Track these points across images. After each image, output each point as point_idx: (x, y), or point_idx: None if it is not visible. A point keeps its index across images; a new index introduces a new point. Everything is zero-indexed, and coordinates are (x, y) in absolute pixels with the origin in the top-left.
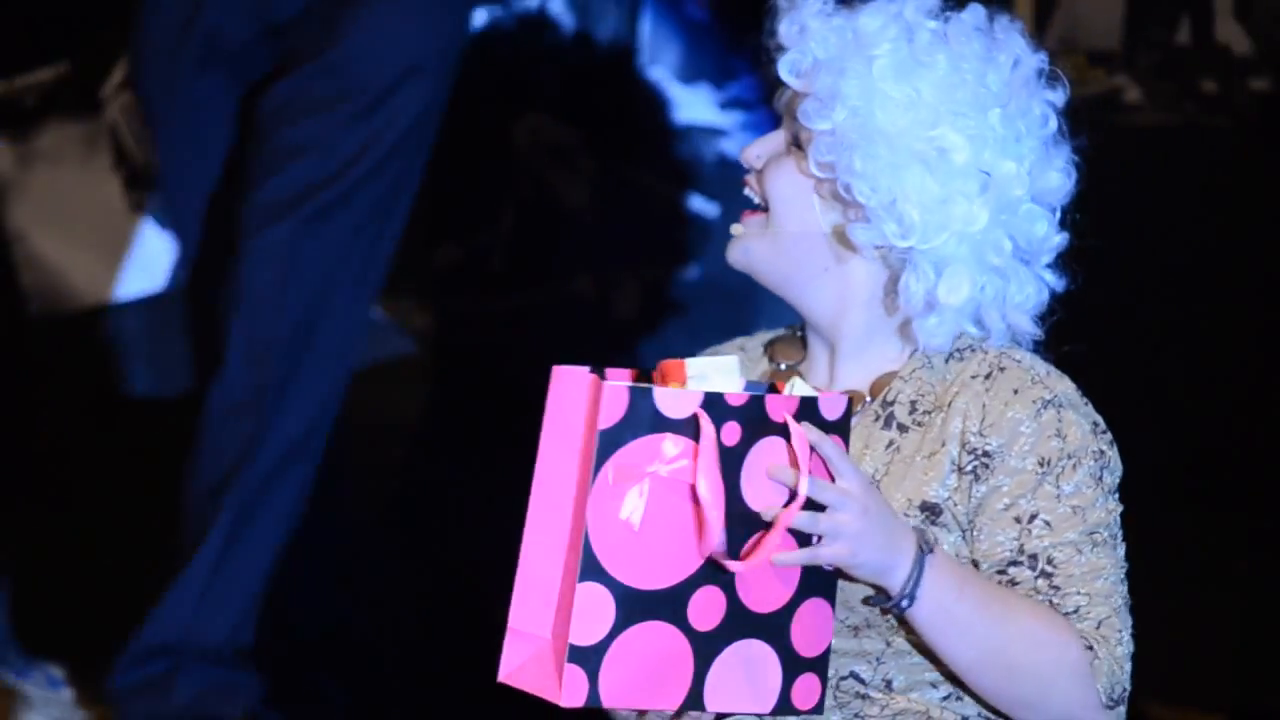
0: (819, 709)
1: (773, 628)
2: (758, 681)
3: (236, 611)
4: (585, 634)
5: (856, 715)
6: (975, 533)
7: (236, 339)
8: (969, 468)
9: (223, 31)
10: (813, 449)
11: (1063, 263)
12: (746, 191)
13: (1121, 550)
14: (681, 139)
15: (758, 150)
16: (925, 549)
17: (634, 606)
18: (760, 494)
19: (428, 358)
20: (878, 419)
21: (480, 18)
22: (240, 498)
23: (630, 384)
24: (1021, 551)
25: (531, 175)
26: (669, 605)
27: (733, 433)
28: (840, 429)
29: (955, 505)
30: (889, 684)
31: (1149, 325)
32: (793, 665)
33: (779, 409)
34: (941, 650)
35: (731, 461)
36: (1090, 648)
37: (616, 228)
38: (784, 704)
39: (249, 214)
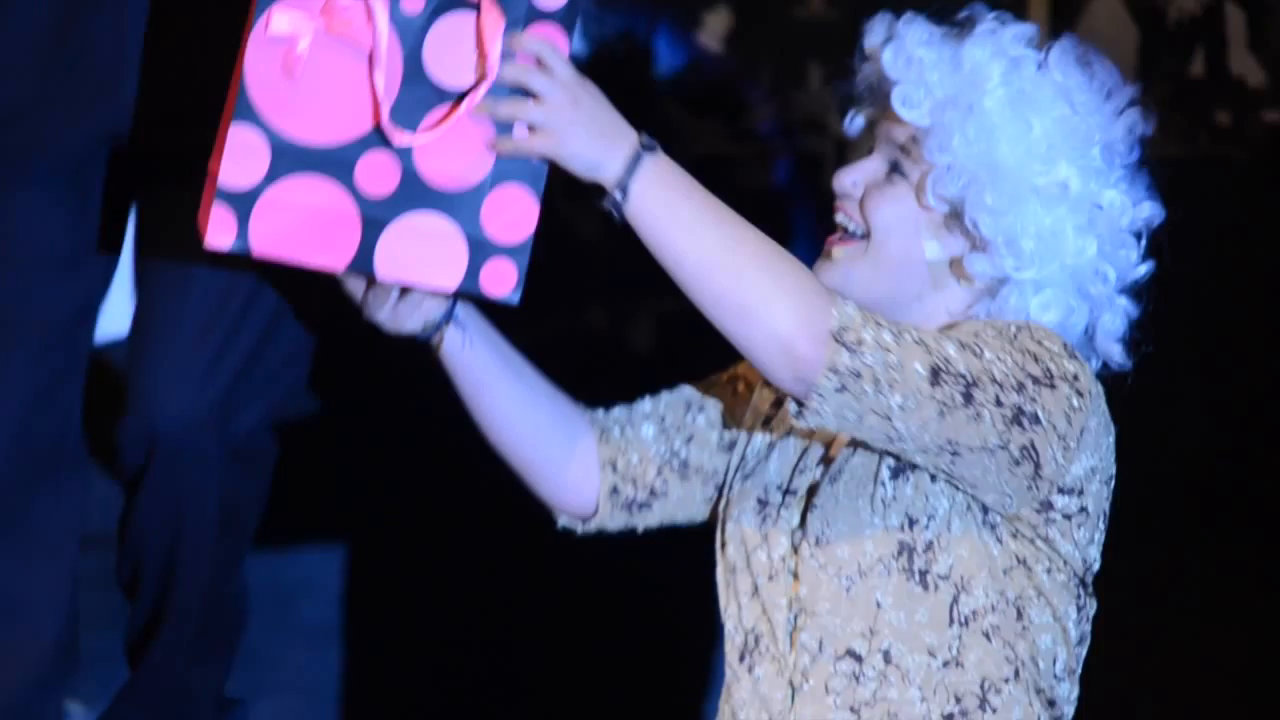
0: (514, 297)
1: (457, 205)
2: (438, 257)
3: None
4: (235, 177)
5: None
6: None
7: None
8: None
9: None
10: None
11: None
12: (839, 218)
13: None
14: (695, 170)
15: (854, 177)
16: (645, 146)
17: (291, 157)
18: (449, 70)
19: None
20: None
21: None
22: None
23: None
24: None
25: (548, 207)
26: (333, 164)
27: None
28: (562, 20)
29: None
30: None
31: (1165, 355)
32: (481, 247)
33: None
34: (666, 249)
35: (410, 28)
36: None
37: (631, 259)
38: (471, 283)
39: None
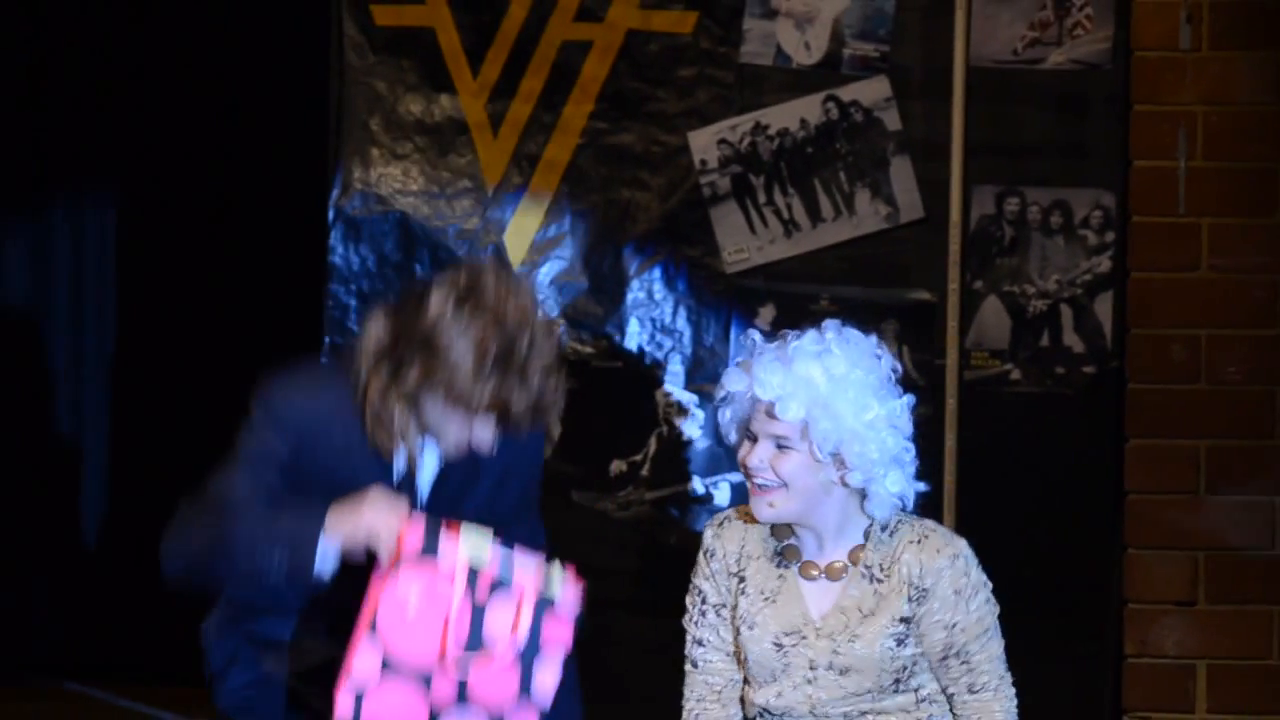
0: None
1: (495, 712)
2: None
3: None
4: (360, 672)
5: None
6: (921, 636)
7: None
8: (915, 597)
9: None
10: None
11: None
12: (760, 482)
13: (1000, 633)
14: None
15: (759, 459)
16: None
17: (393, 667)
18: (495, 628)
19: (605, 525)
20: (863, 576)
21: (634, 328)
22: None
23: (427, 524)
24: (950, 647)
25: (666, 420)
26: (418, 677)
27: (485, 584)
28: (570, 618)
29: (912, 618)
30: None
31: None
32: None
33: (523, 582)
34: None
35: (476, 601)
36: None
37: (717, 447)
38: None
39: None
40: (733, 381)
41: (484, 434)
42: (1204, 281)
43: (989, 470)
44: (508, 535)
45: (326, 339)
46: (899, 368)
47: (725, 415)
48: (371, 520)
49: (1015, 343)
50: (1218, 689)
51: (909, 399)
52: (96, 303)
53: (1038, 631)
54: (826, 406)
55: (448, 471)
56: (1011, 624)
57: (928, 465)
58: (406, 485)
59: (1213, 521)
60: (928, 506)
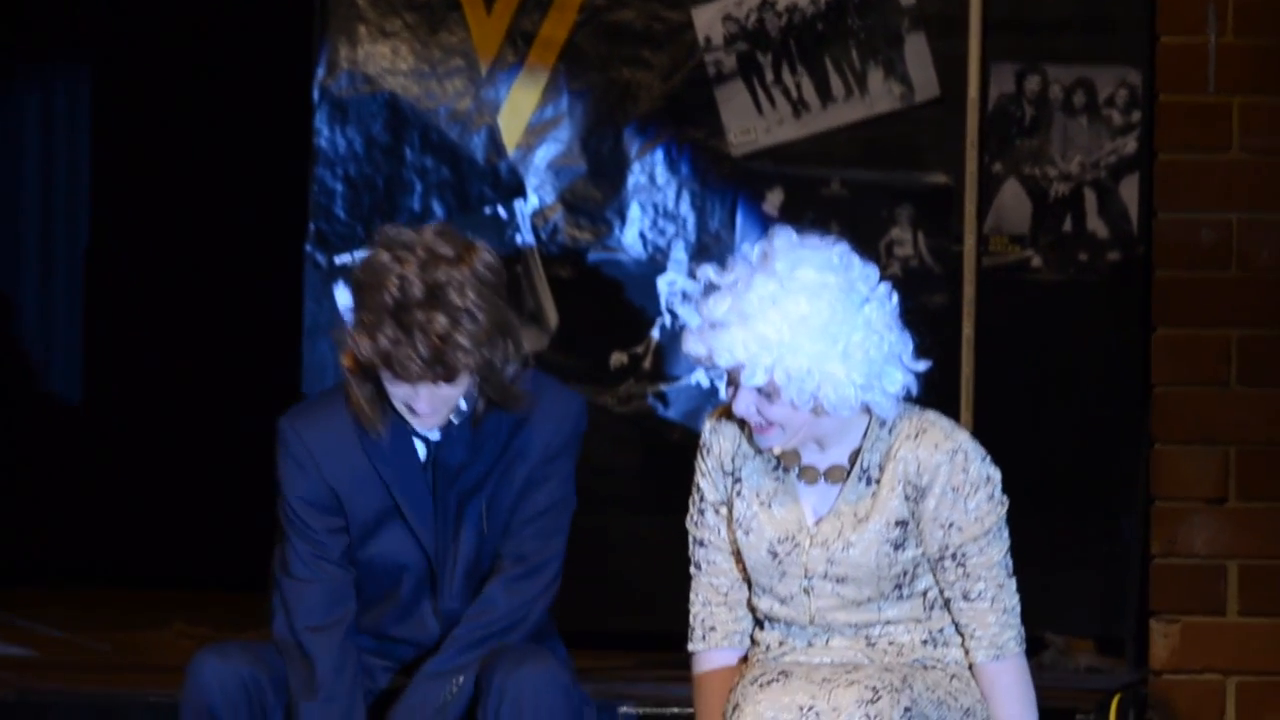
0: None
1: None
2: None
3: None
4: None
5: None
6: (920, 535)
7: None
8: (911, 496)
9: None
10: None
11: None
12: (755, 425)
13: (1006, 535)
14: None
15: (746, 407)
16: None
17: None
18: None
19: (604, 420)
20: (859, 479)
21: (635, 213)
22: None
23: None
24: (945, 549)
25: (669, 310)
26: None
27: None
28: None
29: (910, 518)
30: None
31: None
32: None
33: None
34: None
35: None
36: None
37: None
38: None
39: None
40: (693, 347)
41: (398, 391)
42: (1234, 163)
43: (1008, 362)
44: (522, 545)
45: (311, 225)
46: (869, 263)
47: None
48: None
49: (1036, 228)
50: (1249, 590)
51: (885, 286)
52: (67, 188)
53: (1059, 531)
54: (791, 360)
55: (443, 452)
56: (1031, 523)
57: (943, 356)
58: (403, 462)
59: (1244, 414)
60: (944, 400)
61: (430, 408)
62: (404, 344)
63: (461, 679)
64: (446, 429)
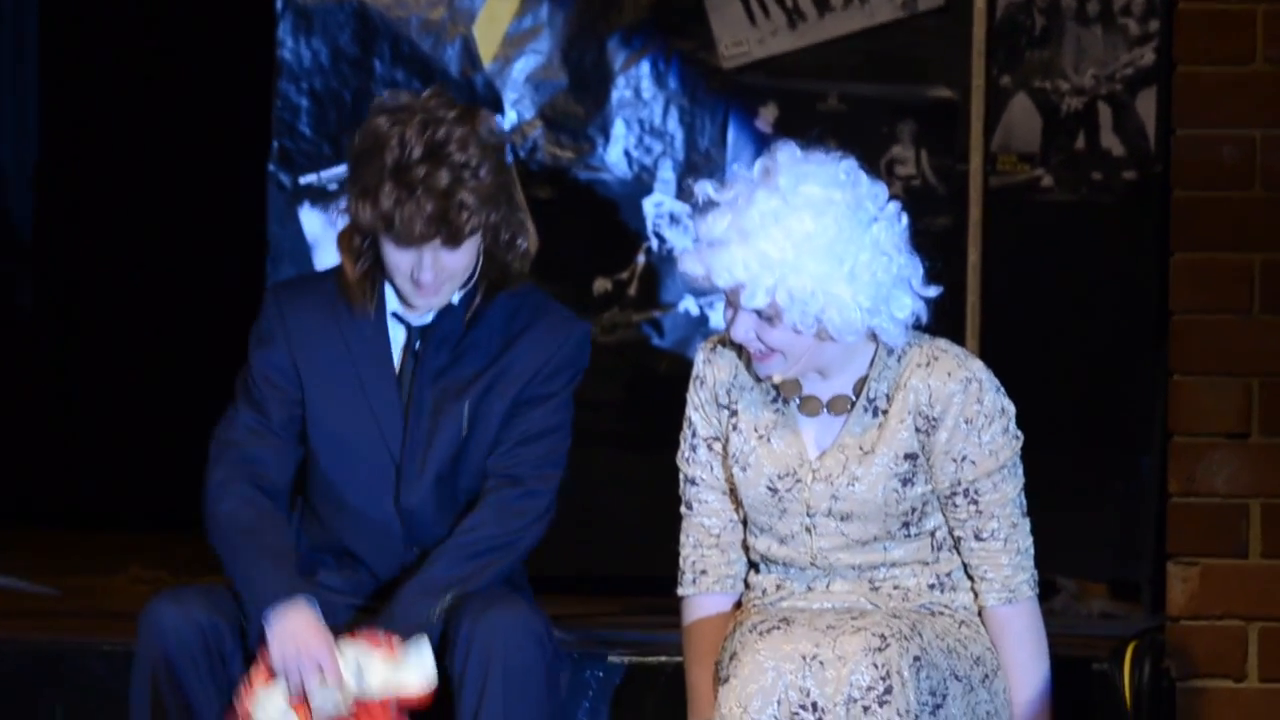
0: None
1: None
2: None
3: None
4: None
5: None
6: (931, 470)
7: None
8: (922, 428)
9: None
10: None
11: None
12: (754, 352)
13: (1020, 472)
14: None
15: (744, 330)
16: None
17: None
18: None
19: (591, 352)
20: (865, 410)
21: (620, 130)
22: None
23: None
24: (957, 484)
25: (656, 234)
26: None
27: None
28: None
29: (920, 452)
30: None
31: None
32: None
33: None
34: None
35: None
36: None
37: None
38: None
39: None
40: (691, 267)
41: (403, 261)
42: (1258, 75)
43: (1017, 288)
44: (516, 466)
45: (275, 143)
46: (878, 180)
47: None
48: (281, 650)
49: (1046, 145)
50: (1273, 530)
51: (894, 206)
52: (14, 99)
53: (1071, 468)
54: (794, 280)
55: (425, 348)
56: (1041, 460)
57: (948, 282)
58: (380, 350)
59: (1268, 344)
60: (949, 329)
61: (435, 278)
62: (407, 202)
63: (450, 599)
64: (439, 316)
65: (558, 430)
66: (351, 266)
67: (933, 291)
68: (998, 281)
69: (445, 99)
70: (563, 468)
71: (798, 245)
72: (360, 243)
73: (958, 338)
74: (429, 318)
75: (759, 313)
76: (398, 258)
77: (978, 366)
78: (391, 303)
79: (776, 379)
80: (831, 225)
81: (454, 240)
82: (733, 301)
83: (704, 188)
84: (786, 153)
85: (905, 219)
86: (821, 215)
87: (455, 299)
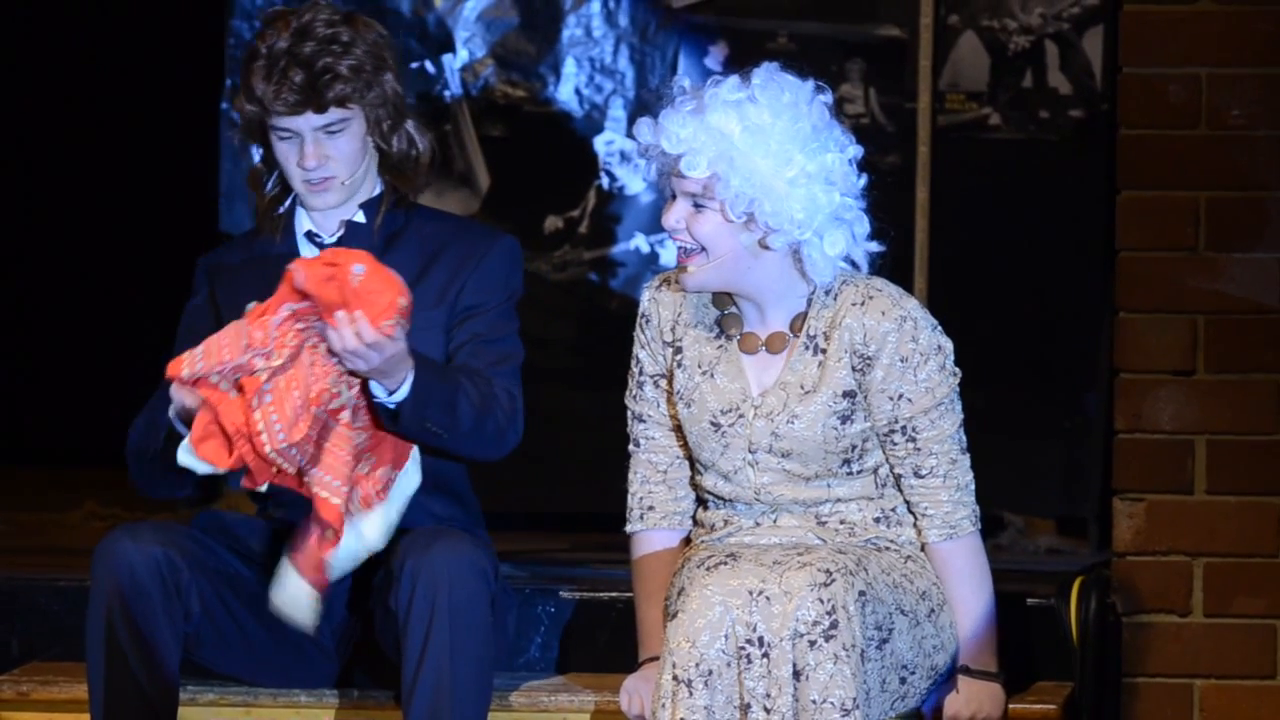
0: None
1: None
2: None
3: None
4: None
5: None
6: (869, 407)
7: None
8: (858, 366)
9: None
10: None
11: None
12: (679, 245)
13: (959, 409)
14: None
15: (675, 218)
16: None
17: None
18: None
19: (539, 289)
20: (806, 348)
21: (571, 69)
22: None
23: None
24: (895, 421)
25: (607, 172)
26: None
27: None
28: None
29: (858, 390)
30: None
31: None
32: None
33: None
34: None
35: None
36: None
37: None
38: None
39: None
40: (643, 133)
41: (290, 149)
42: (1205, 14)
43: (965, 226)
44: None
45: (229, 81)
46: (840, 118)
47: (650, 170)
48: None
49: (994, 84)
50: (1218, 466)
51: (856, 150)
52: None
53: (1018, 405)
54: (738, 161)
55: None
56: (988, 397)
57: (896, 220)
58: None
59: (1213, 281)
60: (897, 269)
61: (319, 164)
62: (276, 76)
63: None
64: (349, 233)
65: (507, 340)
66: (261, 197)
67: (874, 246)
68: (945, 219)
69: (328, 6)
70: (521, 386)
71: (750, 131)
72: (265, 174)
73: (906, 275)
74: (339, 233)
75: (694, 200)
76: (284, 150)
77: (912, 305)
78: (305, 223)
79: (689, 283)
80: (788, 127)
81: (322, 106)
82: (674, 187)
83: (681, 80)
84: (769, 65)
85: (864, 180)
86: (780, 116)
87: (360, 217)
